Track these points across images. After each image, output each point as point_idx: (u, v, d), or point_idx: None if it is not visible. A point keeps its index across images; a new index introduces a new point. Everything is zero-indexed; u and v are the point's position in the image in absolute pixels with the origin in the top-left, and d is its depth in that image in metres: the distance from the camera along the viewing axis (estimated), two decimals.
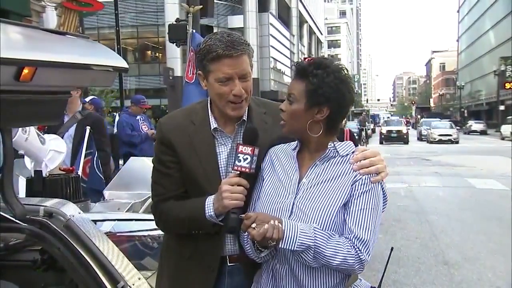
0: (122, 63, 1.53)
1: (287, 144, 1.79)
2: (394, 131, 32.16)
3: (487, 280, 5.07)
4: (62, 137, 4.57)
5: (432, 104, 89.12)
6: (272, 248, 1.61)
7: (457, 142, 30.71)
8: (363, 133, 27.90)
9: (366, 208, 1.60)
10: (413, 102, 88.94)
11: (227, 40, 1.72)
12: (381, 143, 32.12)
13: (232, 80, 1.73)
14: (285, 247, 1.52)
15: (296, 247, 1.52)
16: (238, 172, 1.69)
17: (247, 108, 1.85)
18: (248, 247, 1.69)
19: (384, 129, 33.83)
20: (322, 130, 1.66)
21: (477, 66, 64.56)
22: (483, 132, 42.84)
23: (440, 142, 30.68)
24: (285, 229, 1.52)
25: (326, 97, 1.61)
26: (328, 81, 1.61)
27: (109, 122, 12.03)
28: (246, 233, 1.59)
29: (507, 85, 42.75)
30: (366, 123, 30.15)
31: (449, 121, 39.16)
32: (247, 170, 1.69)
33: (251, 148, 1.69)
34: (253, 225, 1.51)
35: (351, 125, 36.03)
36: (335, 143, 1.70)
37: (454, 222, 7.81)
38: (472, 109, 64.09)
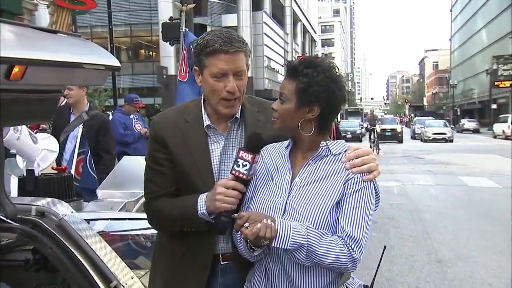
0: (114, 62, 1.52)
1: (280, 143, 1.79)
2: (388, 130, 31.04)
3: (479, 278, 5.10)
4: (68, 137, 4.52)
5: (425, 103, 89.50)
6: (265, 247, 1.62)
7: (451, 141, 30.37)
8: (374, 134, 22.35)
9: (358, 207, 1.61)
10: (407, 101, 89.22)
11: (225, 36, 1.73)
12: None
13: (226, 76, 1.73)
14: (278, 245, 1.53)
15: (289, 246, 1.52)
16: (235, 176, 1.70)
17: (240, 106, 1.85)
18: (241, 246, 1.69)
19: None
20: (314, 129, 1.67)
21: (470, 65, 64.91)
22: (475, 131, 43.11)
23: (435, 140, 30.31)
24: (278, 228, 1.52)
25: (316, 96, 1.61)
26: (318, 80, 1.61)
27: None
28: (239, 232, 1.60)
29: (501, 84, 42.94)
30: (377, 121, 24.84)
31: (435, 118, 38.78)
32: (244, 176, 1.69)
33: (252, 156, 1.69)
34: (246, 224, 1.51)
35: (346, 124, 35.99)
36: (327, 141, 1.70)
37: (447, 220, 7.85)
38: (465, 108, 64.46)
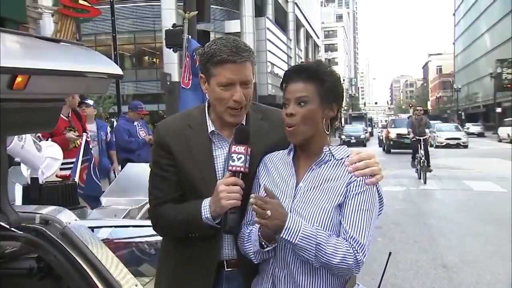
0: (117, 70, 1.52)
1: (281, 151, 1.80)
2: (408, 135, 21.16)
3: (486, 283, 5.06)
4: None
5: (429, 107, 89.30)
6: (275, 245, 1.63)
7: (466, 147, 27.17)
8: (422, 147, 12.94)
9: (360, 209, 1.61)
10: (411, 105, 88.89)
11: (233, 46, 1.73)
12: (387, 151, 24.06)
13: (233, 85, 1.74)
14: (286, 237, 1.53)
15: (298, 240, 1.53)
16: (233, 172, 1.70)
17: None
18: (247, 246, 1.68)
19: (393, 133, 23.94)
20: (329, 127, 1.72)
21: (474, 68, 64.84)
22: (480, 135, 42.93)
23: (448, 146, 26.70)
24: (288, 221, 1.53)
25: (340, 94, 1.72)
26: (337, 79, 1.71)
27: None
28: (248, 230, 1.66)
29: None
30: (427, 127, 13.63)
31: (442, 122, 35.59)
32: (242, 169, 1.70)
33: (244, 147, 1.70)
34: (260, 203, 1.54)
35: (350, 129, 35.57)
36: (330, 147, 1.72)
37: (453, 225, 7.81)
38: (469, 112, 64.31)
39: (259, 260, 1.71)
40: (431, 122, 16.86)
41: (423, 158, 12.76)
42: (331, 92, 1.68)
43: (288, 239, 1.54)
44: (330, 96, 1.68)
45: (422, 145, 12.95)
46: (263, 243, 1.63)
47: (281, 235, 1.54)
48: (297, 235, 1.53)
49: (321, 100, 1.66)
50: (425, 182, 12.30)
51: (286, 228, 1.53)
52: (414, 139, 13.20)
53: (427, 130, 13.36)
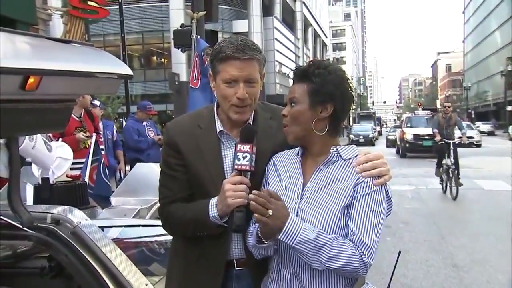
0: (127, 70, 1.53)
1: (290, 150, 1.80)
2: (427, 137, 17.48)
3: (497, 283, 5.02)
4: None
5: (438, 106, 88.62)
6: (273, 241, 1.63)
7: (479, 146, 25.88)
8: (451, 154, 10.48)
9: (368, 211, 1.60)
10: (420, 104, 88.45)
11: (239, 44, 1.75)
12: (402, 155, 21.03)
13: (237, 82, 1.75)
14: (284, 240, 1.54)
15: (295, 244, 1.54)
16: (239, 171, 1.71)
17: (252, 112, 1.86)
18: (251, 238, 1.69)
19: (409, 133, 20.45)
20: (326, 128, 1.68)
21: (484, 66, 64.34)
22: (491, 133, 42.55)
23: (460, 145, 25.90)
24: (288, 223, 1.54)
25: (330, 94, 1.64)
26: (330, 79, 1.65)
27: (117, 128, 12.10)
28: (253, 226, 1.66)
29: None
30: (459, 128, 10.93)
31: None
32: (247, 168, 1.70)
33: (249, 146, 1.71)
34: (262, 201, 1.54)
35: (359, 128, 35.46)
36: (338, 147, 1.71)
37: (462, 224, 7.76)
38: (479, 110, 63.80)
39: (258, 255, 1.72)
40: None
41: (452, 167, 10.16)
42: (319, 92, 1.65)
43: (285, 241, 1.55)
44: (320, 96, 1.65)
45: (451, 151, 10.38)
46: (261, 238, 1.64)
47: (279, 236, 1.54)
48: (295, 239, 1.53)
49: (310, 100, 1.65)
50: (454, 199, 9.79)
51: (284, 230, 1.54)
52: (442, 142, 10.60)
53: (457, 132, 10.88)
